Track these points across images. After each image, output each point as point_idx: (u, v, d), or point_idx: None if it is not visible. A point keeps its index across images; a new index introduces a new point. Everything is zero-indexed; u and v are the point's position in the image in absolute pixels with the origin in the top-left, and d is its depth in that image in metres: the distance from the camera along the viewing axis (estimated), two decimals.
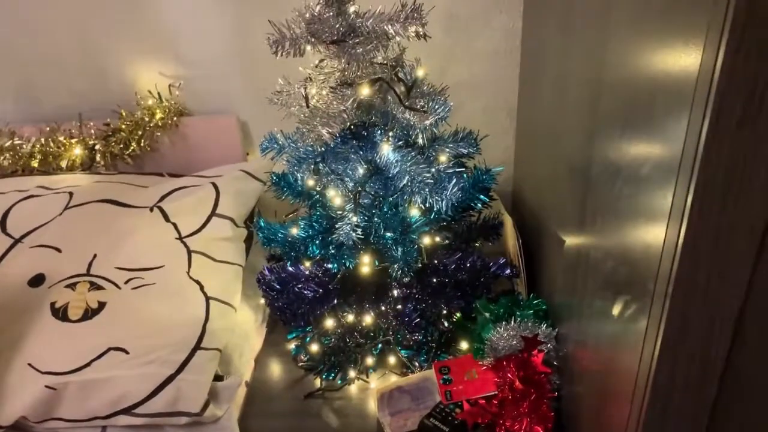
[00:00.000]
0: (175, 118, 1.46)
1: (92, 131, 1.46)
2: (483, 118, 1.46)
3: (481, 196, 1.15)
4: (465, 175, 1.13)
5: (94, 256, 1.19)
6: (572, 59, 0.97)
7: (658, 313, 0.64)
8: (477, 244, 1.24)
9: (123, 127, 1.44)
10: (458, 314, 1.22)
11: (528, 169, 1.40)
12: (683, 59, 0.55)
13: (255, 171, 1.41)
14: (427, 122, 1.00)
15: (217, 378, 1.13)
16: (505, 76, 1.42)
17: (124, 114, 1.45)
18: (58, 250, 1.19)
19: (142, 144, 1.46)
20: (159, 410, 1.04)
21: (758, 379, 0.67)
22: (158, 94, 1.46)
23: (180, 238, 1.26)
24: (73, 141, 1.46)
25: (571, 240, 1.01)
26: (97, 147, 1.44)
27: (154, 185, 1.38)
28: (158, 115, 1.45)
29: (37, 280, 1.15)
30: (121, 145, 1.45)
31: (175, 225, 1.27)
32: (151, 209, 1.28)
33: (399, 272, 1.08)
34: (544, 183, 1.24)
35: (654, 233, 0.63)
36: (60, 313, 1.11)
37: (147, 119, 1.45)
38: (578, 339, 1.02)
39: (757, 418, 0.70)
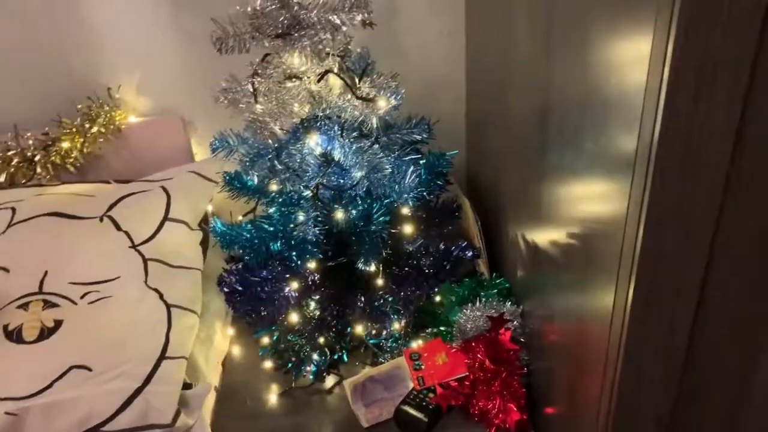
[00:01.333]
0: (117, 123, 1.41)
1: (30, 142, 1.40)
2: (432, 104, 1.45)
3: (438, 181, 1.15)
4: (421, 162, 1.13)
5: (45, 272, 1.14)
6: (517, 59, 0.98)
7: (626, 284, 0.66)
8: (438, 229, 1.25)
9: (62, 135, 1.38)
10: (422, 301, 1.23)
11: (481, 151, 1.40)
12: (635, 42, 0.56)
13: (206, 171, 1.38)
14: (381, 111, 0.99)
15: (186, 386, 1.10)
16: (452, 61, 1.42)
17: (64, 122, 1.38)
18: (6, 270, 1.14)
19: (84, 151, 1.40)
20: (129, 425, 1.01)
21: (723, 341, 0.69)
22: (98, 99, 1.40)
23: (134, 247, 1.22)
24: (9, 153, 1.39)
25: (531, 218, 1.03)
26: (37, 158, 1.38)
27: (100, 194, 1.33)
28: (99, 121, 1.39)
29: None
30: (63, 154, 1.39)
31: (127, 233, 1.23)
32: (101, 219, 1.24)
33: (364, 262, 1.08)
34: (499, 165, 1.25)
35: (617, 207, 0.64)
36: (14, 336, 1.06)
37: (88, 125, 1.39)
38: (544, 314, 1.04)
39: (726, 378, 0.73)
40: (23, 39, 1.37)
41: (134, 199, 1.29)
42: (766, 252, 0.62)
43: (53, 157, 1.40)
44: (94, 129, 1.39)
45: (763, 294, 0.65)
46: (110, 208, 1.26)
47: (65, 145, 1.38)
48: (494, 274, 1.22)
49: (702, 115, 0.53)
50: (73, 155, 1.40)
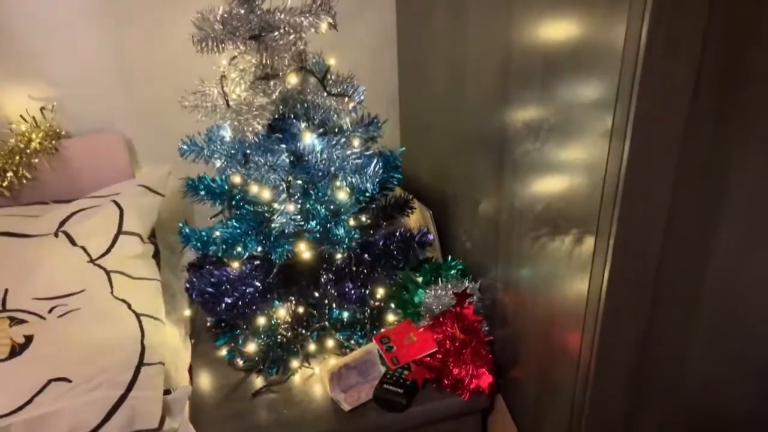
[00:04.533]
0: (53, 142, 1.38)
1: None
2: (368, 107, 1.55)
3: (396, 174, 1.24)
4: (377, 158, 1.21)
5: (6, 290, 1.10)
6: (469, 38, 1.10)
7: (605, 242, 0.78)
8: (395, 221, 1.33)
9: None
10: (382, 290, 1.30)
11: (418, 151, 1.51)
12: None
13: (153, 185, 1.38)
14: (350, 106, 1.07)
15: (165, 393, 1.10)
16: (384, 67, 1.53)
17: None
18: None
19: (19, 174, 1.36)
20: None
21: (687, 290, 0.84)
22: (32, 118, 1.37)
23: (92, 261, 1.21)
24: None
25: (488, 199, 1.14)
26: None
27: (44, 213, 1.30)
28: (34, 141, 1.35)
29: None
30: None
31: (83, 248, 1.22)
32: (56, 234, 1.21)
33: (336, 250, 1.14)
34: (444, 159, 1.36)
35: (595, 169, 0.76)
36: None
37: (22, 146, 1.35)
38: (504, 288, 1.15)
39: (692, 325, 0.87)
40: None
41: (86, 214, 1.27)
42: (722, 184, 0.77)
43: None
44: (30, 149, 1.35)
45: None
46: (62, 224, 1.24)
47: None
48: (449, 257, 1.32)
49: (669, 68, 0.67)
50: (7, 178, 1.35)
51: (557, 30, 0.82)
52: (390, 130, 1.59)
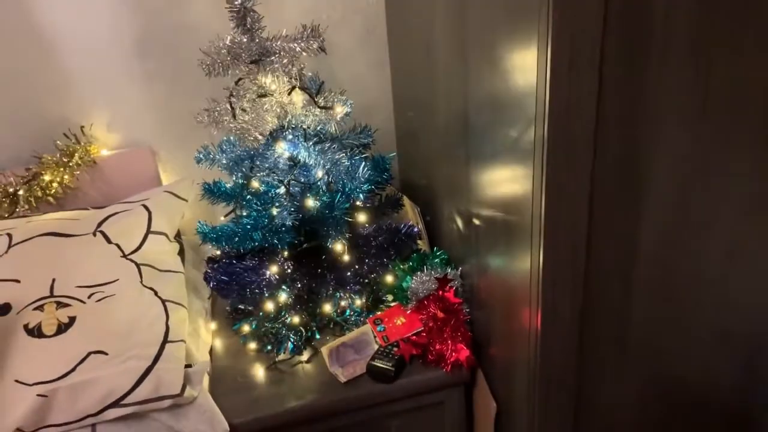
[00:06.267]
0: (92, 156, 1.59)
1: (11, 179, 1.55)
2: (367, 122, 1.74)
3: (384, 175, 1.42)
4: (368, 161, 1.39)
5: (53, 280, 1.30)
6: (439, 78, 1.28)
7: (538, 240, 0.94)
8: (386, 217, 1.51)
9: (44, 170, 1.55)
10: (379, 275, 1.47)
11: (411, 156, 1.69)
12: (526, 48, 0.85)
13: (178, 191, 1.58)
14: (338, 116, 1.25)
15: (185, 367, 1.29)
16: (379, 86, 1.72)
17: (45, 157, 1.56)
18: (17, 281, 1.30)
19: (63, 184, 1.57)
20: (144, 397, 1.18)
21: (618, 262, 0.99)
22: (74, 135, 1.59)
23: (125, 256, 1.41)
24: None
25: (460, 202, 1.31)
26: (20, 192, 1.54)
27: (83, 217, 1.51)
28: (77, 155, 1.57)
29: (4, 310, 1.25)
30: (44, 187, 1.55)
31: (118, 245, 1.42)
32: (94, 234, 1.42)
33: (331, 241, 1.32)
34: (429, 163, 1.53)
35: (524, 181, 0.93)
36: (35, 332, 1.22)
37: (66, 160, 1.57)
38: (479, 274, 1.31)
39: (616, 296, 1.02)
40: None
41: (119, 217, 1.47)
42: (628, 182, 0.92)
43: (35, 191, 1.56)
44: (72, 162, 1.57)
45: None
46: (99, 225, 1.44)
47: (47, 177, 1.55)
48: (435, 248, 1.48)
49: (575, 81, 0.82)
50: (53, 187, 1.56)
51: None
52: (389, 136, 1.78)
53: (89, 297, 1.29)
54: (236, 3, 1.18)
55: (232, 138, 1.29)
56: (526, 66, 0.86)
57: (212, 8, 1.50)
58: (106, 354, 1.21)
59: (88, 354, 1.20)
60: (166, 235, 1.49)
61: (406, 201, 1.55)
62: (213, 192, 1.38)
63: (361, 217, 1.41)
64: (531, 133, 0.89)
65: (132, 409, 1.18)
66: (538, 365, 1.07)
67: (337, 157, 1.27)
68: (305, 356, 1.43)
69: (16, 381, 1.16)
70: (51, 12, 1.50)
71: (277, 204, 1.28)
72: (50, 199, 1.58)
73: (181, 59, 1.59)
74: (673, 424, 1.18)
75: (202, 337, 1.48)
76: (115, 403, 1.17)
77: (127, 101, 1.63)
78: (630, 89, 0.86)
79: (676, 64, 0.86)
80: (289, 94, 1.22)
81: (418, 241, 1.52)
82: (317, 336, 1.46)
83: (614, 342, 1.08)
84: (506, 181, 1.03)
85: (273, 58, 1.21)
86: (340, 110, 1.26)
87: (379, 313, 1.45)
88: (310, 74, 1.34)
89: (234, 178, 1.32)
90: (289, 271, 1.40)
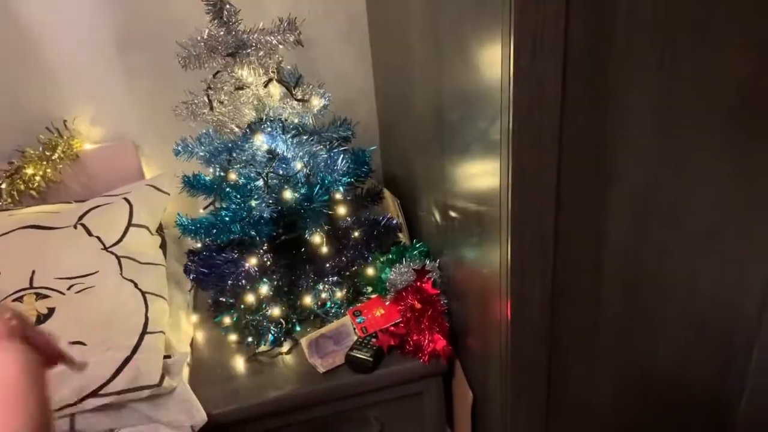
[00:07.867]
0: (75, 150, 1.60)
1: None
2: (349, 109, 1.74)
3: (364, 168, 1.43)
4: (348, 154, 1.40)
5: (33, 271, 1.31)
6: (415, 74, 1.29)
7: (506, 231, 0.96)
8: (366, 210, 1.52)
9: (26, 163, 1.56)
10: (359, 267, 1.48)
11: (392, 150, 1.70)
12: (490, 45, 0.87)
13: (159, 184, 1.59)
14: (315, 109, 1.26)
15: (165, 358, 1.30)
16: (362, 81, 1.73)
17: (28, 151, 1.56)
18: None
19: (46, 177, 1.58)
20: (123, 387, 1.20)
21: (585, 252, 1.00)
22: (56, 129, 1.60)
23: (105, 248, 1.41)
24: None
25: (437, 194, 1.32)
26: (2, 186, 1.55)
27: (65, 210, 1.51)
28: (59, 149, 1.58)
29: None
30: (26, 180, 1.56)
31: (98, 238, 1.42)
32: (75, 227, 1.42)
33: (310, 233, 1.33)
34: (408, 156, 1.54)
35: (493, 173, 0.94)
36: None
37: (49, 153, 1.57)
38: (455, 266, 1.32)
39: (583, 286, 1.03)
40: None
41: (100, 210, 1.48)
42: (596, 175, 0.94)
43: (18, 184, 1.56)
44: (55, 156, 1.57)
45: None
46: (80, 218, 1.45)
47: (30, 171, 1.56)
48: (414, 240, 1.49)
49: (538, 72, 0.83)
50: (36, 181, 1.57)
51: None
52: (372, 129, 1.79)
53: (69, 288, 1.30)
54: None
55: (210, 131, 1.29)
56: (491, 58, 0.87)
57: (195, 2, 1.51)
58: (85, 344, 1.22)
59: (67, 344, 1.21)
60: (148, 228, 1.50)
61: (386, 193, 1.57)
62: (192, 184, 1.38)
63: (341, 210, 1.41)
64: (498, 126, 0.90)
65: (111, 399, 1.19)
66: (509, 354, 1.08)
67: (315, 149, 1.28)
68: (285, 348, 1.44)
69: None
70: (32, 4, 1.50)
71: (255, 196, 1.29)
72: (33, 192, 1.59)
73: (165, 53, 1.57)
74: (647, 408, 1.20)
75: (183, 329, 1.49)
76: (94, 393, 1.19)
77: (110, 95, 1.63)
78: (596, 80, 0.87)
79: (642, 53, 0.87)
80: (266, 86, 1.23)
81: (399, 234, 1.54)
82: (297, 328, 1.47)
83: (586, 331, 1.09)
84: (477, 173, 1.04)
85: (249, 50, 1.21)
86: (317, 103, 1.27)
87: (359, 304, 1.46)
88: (288, 67, 1.35)
89: (212, 171, 1.33)
90: (269, 263, 1.41)
